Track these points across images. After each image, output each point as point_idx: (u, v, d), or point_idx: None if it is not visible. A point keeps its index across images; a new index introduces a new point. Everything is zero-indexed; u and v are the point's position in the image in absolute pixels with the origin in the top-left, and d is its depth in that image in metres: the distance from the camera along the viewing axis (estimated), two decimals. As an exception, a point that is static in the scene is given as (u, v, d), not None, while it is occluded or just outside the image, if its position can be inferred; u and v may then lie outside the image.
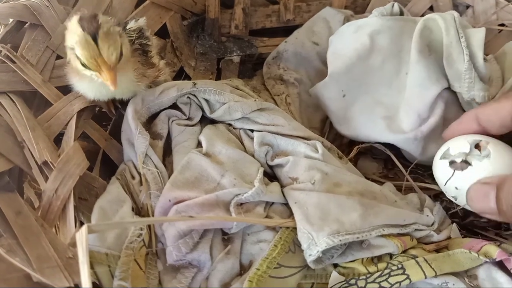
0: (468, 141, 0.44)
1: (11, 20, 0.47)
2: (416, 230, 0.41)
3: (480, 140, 0.44)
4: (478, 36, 0.50)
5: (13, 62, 0.43)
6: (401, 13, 0.58)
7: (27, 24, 0.47)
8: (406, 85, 0.53)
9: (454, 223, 0.46)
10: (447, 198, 0.46)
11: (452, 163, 0.44)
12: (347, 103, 0.56)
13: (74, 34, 0.38)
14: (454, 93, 0.52)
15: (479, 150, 0.43)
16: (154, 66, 0.47)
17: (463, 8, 0.68)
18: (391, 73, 0.54)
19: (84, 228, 0.29)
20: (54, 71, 0.46)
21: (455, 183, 0.43)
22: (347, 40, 0.57)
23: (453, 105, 0.52)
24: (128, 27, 0.44)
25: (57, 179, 0.36)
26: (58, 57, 0.47)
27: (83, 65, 0.39)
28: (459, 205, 0.45)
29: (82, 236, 0.29)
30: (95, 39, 0.38)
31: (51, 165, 0.37)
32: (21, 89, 0.42)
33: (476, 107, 0.48)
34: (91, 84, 0.42)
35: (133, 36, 0.44)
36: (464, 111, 0.52)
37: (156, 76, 0.48)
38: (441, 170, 0.45)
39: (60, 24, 0.48)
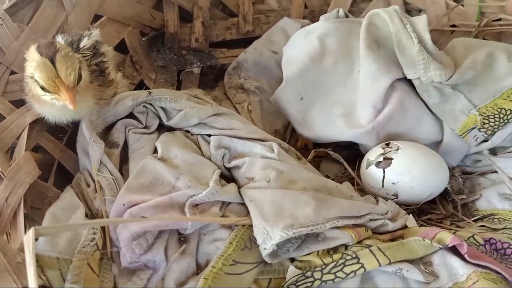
0: (378, 147, 0.51)
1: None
2: (370, 220, 0.42)
3: (386, 144, 0.51)
4: (421, 20, 0.52)
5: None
6: (347, 18, 0.60)
7: (-20, 42, 0.47)
8: (359, 82, 0.54)
9: (410, 214, 0.47)
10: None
11: (378, 164, 0.49)
12: (306, 106, 0.57)
13: (32, 61, 0.40)
14: (410, 83, 0.53)
15: (390, 148, 0.50)
16: (112, 83, 0.48)
17: (415, 13, 0.71)
18: (344, 72, 0.56)
19: (31, 231, 0.29)
20: (8, 86, 0.46)
21: (391, 179, 0.48)
22: (299, 46, 0.59)
23: (410, 94, 0.53)
24: (81, 45, 0.45)
25: (7, 188, 0.36)
26: (12, 72, 0.47)
27: (43, 88, 0.39)
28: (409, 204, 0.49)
29: (29, 239, 0.29)
30: (52, 62, 0.39)
31: (1, 175, 0.37)
32: (-27, 103, 0.42)
33: None
34: (51, 108, 0.42)
35: (88, 55, 0.45)
36: (422, 100, 0.53)
37: (114, 93, 0.48)
38: (372, 176, 0.50)
39: (14, 41, 0.49)
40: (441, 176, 0.50)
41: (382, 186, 0.49)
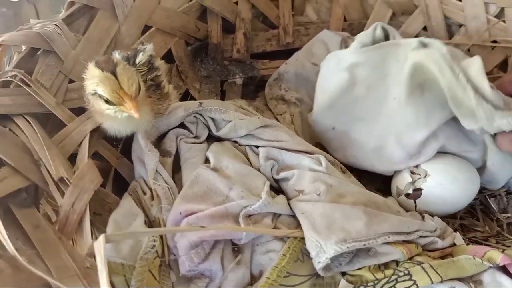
0: (406, 173, 0.52)
1: (24, 47, 0.49)
2: (420, 237, 0.43)
3: (414, 167, 0.52)
4: (475, 65, 0.46)
5: (28, 85, 0.45)
6: (386, 35, 0.58)
7: (40, 51, 0.49)
8: (395, 109, 0.52)
9: (457, 231, 0.47)
10: None
11: (407, 195, 0.51)
12: (338, 135, 0.58)
13: (93, 77, 0.41)
14: (455, 123, 0.51)
15: (418, 174, 0.51)
16: (167, 96, 0.49)
17: (455, 27, 0.71)
18: (378, 100, 0.55)
19: (101, 237, 0.30)
20: (67, 94, 0.48)
21: (423, 207, 0.50)
22: (329, 74, 0.59)
23: (455, 138, 0.52)
24: (137, 60, 0.47)
25: (73, 194, 0.37)
26: (71, 81, 0.49)
27: (107, 101, 0.41)
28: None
29: (100, 245, 0.30)
30: (114, 75, 0.40)
31: (67, 181, 0.38)
32: (36, 111, 0.44)
33: None
34: (114, 122, 0.44)
35: (144, 71, 0.46)
36: (471, 140, 0.52)
37: (168, 105, 0.50)
38: (403, 203, 0.51)
39: (71, 50, 0.51)
40: (471, 192, 0.51)
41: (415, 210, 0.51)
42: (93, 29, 0.54)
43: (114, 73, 0.40)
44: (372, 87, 0.55)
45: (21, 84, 0.44)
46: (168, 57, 0.64)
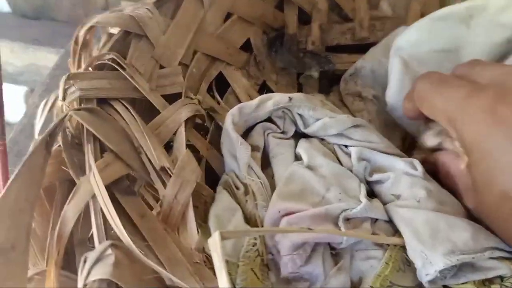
0: None
1: (116, 30, 0.48)
2: (525, 255, 0.40)
3: None
4: None
5: (124, 69, 0.44)
6: None
7: (131, 35, 0.48)
8: None
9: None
10: None
11: None
12: None
13: None
14: None
15: None
16: None
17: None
18: None
19: (217, 234, 0.29)
20: (159, 80, 0.47)
21: None
22: None
23: None
24: None
25: (176, 185, 0.37)
26: (161, 67, 0.48)
27: None
28: None
29: (216, 243, 0.29)
30: None
31: (168, 171, 0.37)
32: (131, 96, 0.43)
33: None
34: None
35: None
36: None
37: None
38: None
39: (161, 35, 0.50)
40: None
41: None
42: (182, 14, 0.53)
43: None
44: None
45: (117, 68, 0.43)
46: (245, 47, 0.63)
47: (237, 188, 0.42)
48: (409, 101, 0.50)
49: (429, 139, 0.47)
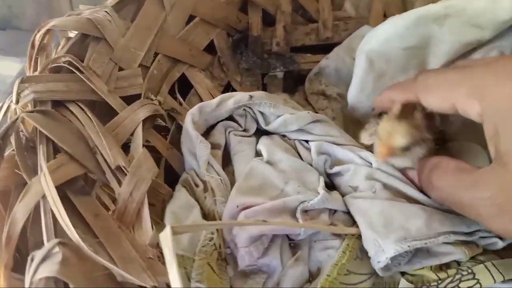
0: None
1: (73, 33, 0.48)
2: (480, 237, 0.41)
3: None
4: None
5: (81, 72, 0.44)
6: None
7: (89, 38, 0.48)
8: None
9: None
10: None
11: None
12: None
13: None
14: None
15: None
16: None
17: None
18: None
19: (168, 229, 0.29)
20: (117, 82, 0.47)
21: None
22: None
23: None
24: None
25: (131, 183, 0.37)
26: (120, 69, 0.48)
27: None
28: None
29: (167, 237, 0.29)
30: None
31: (124, 170, 0.37)
32: (89, 98, 0.43)
33: None
34: None
35: None
36: None
37: None
38: None
39: (121, 37, 0.50)
40: None
41: None
42: (142, 17, 0.53)
43: None
44: None
45: (74, 70, 0.43)
46: (210, 49, 0.63)
47: (197, 186, 0.43)
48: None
49: (365, 139, 0.48)
